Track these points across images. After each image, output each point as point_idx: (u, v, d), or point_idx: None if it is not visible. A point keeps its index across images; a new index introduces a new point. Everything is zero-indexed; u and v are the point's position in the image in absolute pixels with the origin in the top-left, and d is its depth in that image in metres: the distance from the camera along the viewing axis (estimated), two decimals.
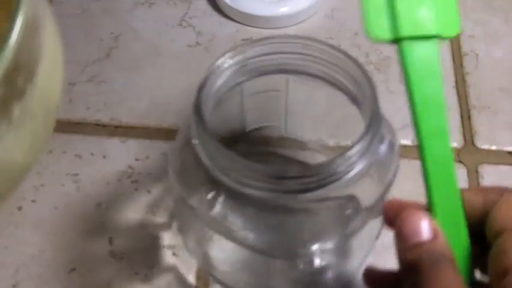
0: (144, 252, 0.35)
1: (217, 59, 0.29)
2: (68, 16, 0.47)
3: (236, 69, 0.29)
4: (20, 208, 0.37)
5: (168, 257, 0.35)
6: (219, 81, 0.29)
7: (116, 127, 0.41)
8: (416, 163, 0.39)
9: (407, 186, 0.38)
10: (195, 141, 0.27)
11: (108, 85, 0.43)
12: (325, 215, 0.30)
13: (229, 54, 0.29)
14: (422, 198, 0.37)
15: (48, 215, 0.37)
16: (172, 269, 0.35)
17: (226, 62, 0.29)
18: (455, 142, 0.40)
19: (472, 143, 0.40)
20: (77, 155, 0.39)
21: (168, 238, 0.35)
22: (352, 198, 0.28)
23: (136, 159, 0.39)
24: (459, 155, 0.39)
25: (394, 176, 0.29)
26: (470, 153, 0.39)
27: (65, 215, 0.37)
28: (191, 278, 0.34)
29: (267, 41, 0.30)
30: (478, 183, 0.38)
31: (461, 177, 0.38)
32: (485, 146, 0.40)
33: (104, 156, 0.39)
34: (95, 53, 0.44)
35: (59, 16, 0.47)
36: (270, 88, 0.33)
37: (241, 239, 0.29)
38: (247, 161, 0.25)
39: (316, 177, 0.25)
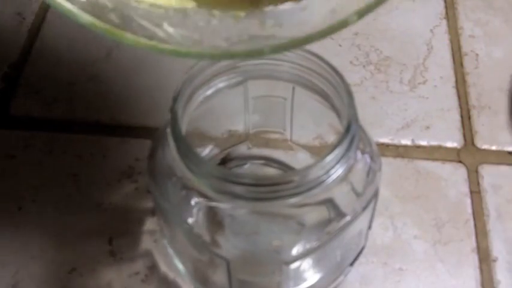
0: (144, 252, 0.35)
1: (194, 65, 0.29)
2: None
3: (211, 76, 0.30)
4: (20, 208, 0.37)
5: (169, 257, 0.35)
6: (197, 88, 0.29)
7: (116, 127, 0.41)
8: (416, 163, 0.39)
9: (406, 186, 0.38)
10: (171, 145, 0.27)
11: (108, 85, 0.43)
12: (303, 219, 0.30)
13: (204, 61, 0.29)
14: (421, 198, 0.38)
15: (48, 215, 0.37)
16: (174, 270, 0.35)
17: (201, 69, 0.29)
18: (455, 142, 0.40)
19: (472, 143, 0.40)
20: (77, 155, 0.39)
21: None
22: (330, 202, 0.28)
23: (136, 159, 0.39)
24: (459, 155, 0.39)
25: (373, 181, 0.29)
26: (470, 153, 0.39)
27: (65, 215, 0.37)
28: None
29: None
30: (478, 184, 0.38)
31: (461, 178, 0.38)
32: (485, 146, 0.40)
33: (104, 156, 0.39)
34: (95, 53, 0.44)
35: (59, 16, 0.47)
36: (275, 94, 0.33)
37: (214, 251, 0.29)
38: (223, 169, 0.26)
39: (292, 185, 0.25)
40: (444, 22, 0.46)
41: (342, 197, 0.29)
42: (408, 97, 0.42)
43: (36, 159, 0.39)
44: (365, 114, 0.35)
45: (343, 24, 0.20)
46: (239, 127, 0.35)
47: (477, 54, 0.44)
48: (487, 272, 0.35)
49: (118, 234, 0.36)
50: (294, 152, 0.36)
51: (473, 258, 0.35)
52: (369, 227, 0.32)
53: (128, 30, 0.20)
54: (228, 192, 0.26)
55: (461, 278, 0.34)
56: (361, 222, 0.30)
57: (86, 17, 0.20)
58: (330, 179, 0.26)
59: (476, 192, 0.38)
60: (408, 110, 0.41)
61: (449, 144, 0.40)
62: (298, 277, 0.32)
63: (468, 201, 0.37)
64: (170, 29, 0.21)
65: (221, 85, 0.30)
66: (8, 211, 0.37)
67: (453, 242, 0.36)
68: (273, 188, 0.26)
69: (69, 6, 0.20)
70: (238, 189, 0.26)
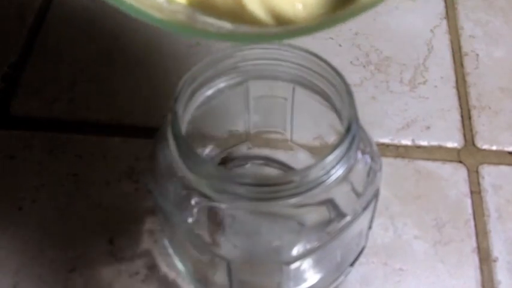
0: (144, 252, 0.35)
1: (194, 65, 0.29)
2: (68, 16, 0.47)
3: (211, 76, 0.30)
4: (20, 208, 0.37)
5: (169, 257, 0.35)
6: (197, 88, 0.29)
7: (116, 127, 0.41)
8: (417, 163, 0.39)
9: (407, 186, 0.38)
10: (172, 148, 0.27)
11: (108, 85, 0.43)
12: (303, 219, 0.30)
13: (204, 61, 0.29)
14: (422, 199, 0.38)
15: (48, 215, 0.37)
16: (174, 270, 0.35)
17: (201, 69, 0.29)
18: (456, 142, 0.40)
19: (473, 143, 0.40)
20: (77, 155, 0.39)
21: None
22: (330, 203, 0.28)
23: (136, 159, 0.39)
24: (459, 155, 0.39)
25: (373, 181, 0.29)
26: (470, 153, 0.39)
27: (65, 215, 0.37)
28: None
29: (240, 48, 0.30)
30: (479, 184, 0.38)
31: (461, 178, 0.38)
32: (485, 146, 0.40)
33: (104, 156, 0.39)
34: (95, 52, 0.44)
35: (59, 16, 0.47)
36: (275, 94, 0.33)
37: (214, 251, 0.29)
38: (223, 170, 0.26)
39: (292, 185, 0.25)
40: (444, 22, 0.46)
41: (342, 197, 0.28)
42: (408, 97, 0.42)
43: (36, 159, 0.39)
44: (365, 114, 0.35)
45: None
46: (239, 127, 0.35)
47: (477, 54, 0.44)
48: (487, 272, 0.35)
49: (118, 234, 0.36)
50: (294, 152, 0.36)
51: (474, 259, 0.35)
52: (369, 227, 0.32)
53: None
54: (228, 192, 0.26)
55: (462, 278, 0.34)
56: (362, 223, 0.30)
57: (157, 15, 0.20)
58: (330, 179, 0.26)
59: (476, 193, 0.38)
60: (408, 110, 0.41)
61: (450, 144, 0.40)
62: (299, 277, 0.32)
63: (468, 201, 0.37)
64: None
65: (222, 85, 0.30)
66: (8, 211, 0.37)
67: (453, 242, 0.36)
68: (273, 188, 0.26)
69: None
70: (239, 189, 0.26)
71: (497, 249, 0.35)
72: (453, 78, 0.43)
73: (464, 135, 0.40)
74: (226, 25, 0.22)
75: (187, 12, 0.23)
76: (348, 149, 0.26)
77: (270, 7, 0.21)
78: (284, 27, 0.22)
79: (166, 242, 0.33)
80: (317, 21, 0.21)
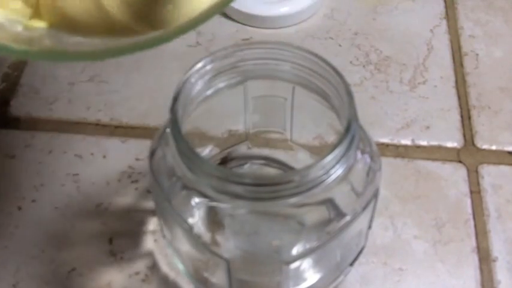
0: (144, 252, 0.35)
1: (194, 65, 0.29)
2: None
3: (211, 76, 0.30)
4: (20, 208, 0.37)
5: (169, 257, 0.35)
6: (197, 88, 0.29)
7: (116, 127, 0.41)
8: (416, 163, 0.39)
9: (406, 186, 0.38)
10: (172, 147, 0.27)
11: (108, 85, 0.43)
12: (303, 219, 0.30)
13: (203, 61, 0.29)
14: (421, 198, 0.38)
15: (48, 215, 0.37)
16: (174, 270, 0.35)
17: (201, 69, 0.29)
18: (455, 142, 0.40)
19: (472, 143, 0.40)
20: (77, 155, 0.39)
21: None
22: (330, 202, 0.28)
23: (137, 159, 0.39)
24: (459, 155, 0.39)
25: (373, 181, 0.29)
26: (470, 153, 0.39)
27: (65, 215, 0.37)
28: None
29: (238, 48, 0.30)
30: (479, 184, 0.38)
31: (461, 178, 0.38)
32: (485, 146, 0.40)
33: (104, 156, 0.39)
34: None
35: None
36: (275, 94, 0.33)
37: (214, 251, 0.29)
38: (223, 169, 0.26)
39: (292, 184, 0.25)
40: (444, 22, 0.46)
41: (342, 196, 0.29)
42: (408, 97, 0.42)
43: (36, 159, 0.39)
44: (365, 114, 0.35)
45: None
46: (239, 127, 0.35)
47: (477, 54, 0.44)
48: (487, 272, 0.35)
49: (118, 234, 0.36)
50: (294, 152, 0.36)
51: (473, 258, 0.35)
52: (369, 227, 0.32)
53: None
54: (228, 192, 0.26)
55: (462, 278, 0.34)
56: (361, 222, 0.30)
57: (17, 46, 0.19)
58: (330, 179, 0.26)
59: (476, 192, 0.38)
60: (408, 110, 0.41)
61: (449, 144, 0.40)
62: (298, 277, 0.32)
63: (468, 201, 0.37)
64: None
65: (221, 85, 0.30)
66: (8, 211, 0.37)
67: (453, 242, 0.36)
68: (273, 187, 0.26)
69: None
70: (238, 189, 0.26)
71: (496, 249, 0.35)
72: (453, 78, 0.43)
73: (464, 135, 0.40)
74: (98, 41, 0.21)
75: (52, 35, 0.21)
76: (348, 148, 0.26)
77: (136, 11, 0.20)
78: (162, 31, 0.20)
79: (166, 242, 0.33)
80: (190, 20, 0.20)
